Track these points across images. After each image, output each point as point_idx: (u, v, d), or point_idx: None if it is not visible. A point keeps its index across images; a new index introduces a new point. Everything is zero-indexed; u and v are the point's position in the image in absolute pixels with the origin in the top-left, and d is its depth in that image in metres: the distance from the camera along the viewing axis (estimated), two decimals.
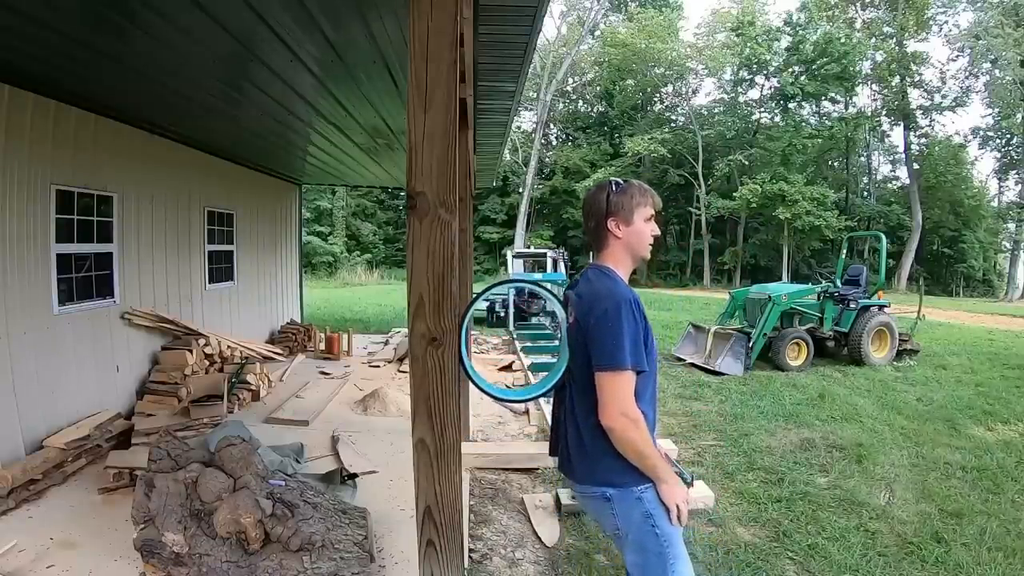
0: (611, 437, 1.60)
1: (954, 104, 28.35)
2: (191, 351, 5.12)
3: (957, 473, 4.12)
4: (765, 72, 29.80)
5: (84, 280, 4.35)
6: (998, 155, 28.83)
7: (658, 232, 1.79)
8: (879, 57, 28.96)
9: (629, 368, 1.57)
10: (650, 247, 1.79)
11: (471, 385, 1.76)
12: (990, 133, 28.24)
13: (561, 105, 35.19)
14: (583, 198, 1.85)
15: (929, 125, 29.44)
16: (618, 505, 1.68)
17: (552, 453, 1.90)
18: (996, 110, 26.96)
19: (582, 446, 1.69)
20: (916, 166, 28.39)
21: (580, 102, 36.32)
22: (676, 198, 32.53)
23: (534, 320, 11.17)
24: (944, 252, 28.75)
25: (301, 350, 7.89)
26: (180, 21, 2.79)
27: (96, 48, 3.11)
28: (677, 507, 1.64)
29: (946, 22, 28.42)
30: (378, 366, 7.24)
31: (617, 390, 1.58)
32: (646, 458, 1.62)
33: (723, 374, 7.22)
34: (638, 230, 1.75)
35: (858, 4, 29.43)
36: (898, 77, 28.41)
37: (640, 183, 1.79)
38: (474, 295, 1.79)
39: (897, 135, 30.73)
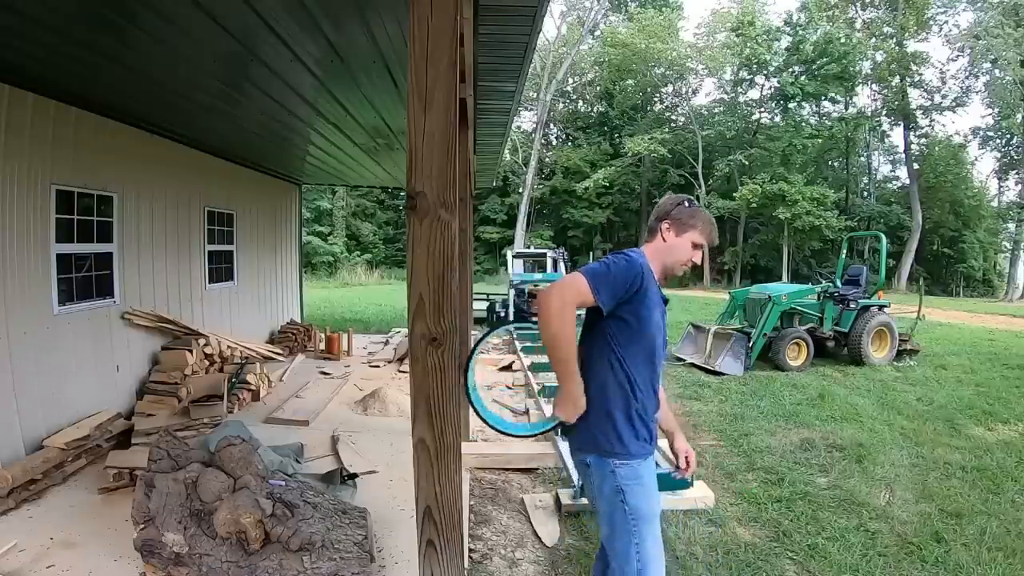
0: (538, 312, 1.60)
1: (954, 104, 28.35)
2: (191, 351, 5.12)
3: (957, 473, 4.12)
4: (765, 72, 29.76)
5: (84, 280, 4.35)
6: (998, 155, 28.83)
7: (697, 262, 1.87)
8: (879, 57, 28.93)
9: (590, 282, 1.60)
10: (682, 268, 1.86)
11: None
12: (990, 133, 28.22)
13: (561, 105, 35.15)
14: (660, 200, 1.95)
15: (929, 125, 29.46)
16: (595, 474, 1.75)
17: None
18: (996, 110, 26.93)
19: (584, 415, 1.73)
20: (916, 166, 28.38)
21: (580, 102, 36.27)
22: None
23: (534, 320, 11.21)
24: (944, 252, 28.72)
25: (301, 350, 7.89)
26: (180, 21, 2.79)
27: (96, 48, 3.11)
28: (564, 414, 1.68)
29: (946, 22, 28.54)
30: (378, 366, 7.24)
31: (571, 282, 1.61)
32: (557, 346, 1.58)
33: (723, 374, 7.22)
34: (681, 244, 1.83)
35: (858, 4, 29.41)
36: (898, 77, 28.38)
37: (710, 216, 1.89)
38: (482, 333, 1.82)
39: (897, 135, 30.76)
